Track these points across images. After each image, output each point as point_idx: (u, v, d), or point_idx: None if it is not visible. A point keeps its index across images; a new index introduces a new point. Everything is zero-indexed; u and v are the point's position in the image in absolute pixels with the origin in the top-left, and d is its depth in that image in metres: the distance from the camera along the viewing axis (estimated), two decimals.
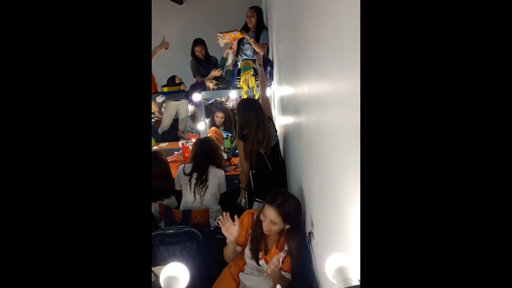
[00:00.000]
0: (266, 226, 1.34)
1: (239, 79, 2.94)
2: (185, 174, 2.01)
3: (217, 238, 1.66)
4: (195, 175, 1.99)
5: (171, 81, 3.31)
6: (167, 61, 3.77)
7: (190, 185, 1.98)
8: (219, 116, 3.13)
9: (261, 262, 1.43)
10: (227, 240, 1.45)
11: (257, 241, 1.43)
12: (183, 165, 2.09)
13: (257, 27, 3.06)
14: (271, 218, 1.32)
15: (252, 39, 2.99)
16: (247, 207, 2.16)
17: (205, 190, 1.97)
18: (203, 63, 3.53)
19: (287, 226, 1.34)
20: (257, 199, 2.02)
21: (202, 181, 1.97)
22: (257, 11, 3.06)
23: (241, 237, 1.47)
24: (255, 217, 1.48)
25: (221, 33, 2.89)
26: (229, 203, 2.13)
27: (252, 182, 2.05)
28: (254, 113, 1.89)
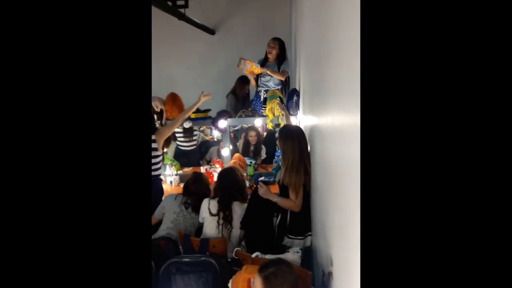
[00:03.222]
0: None
1: (265, 107, 2.97)
2: (211, 214, 1.96)
3: (234, 270, 1.60)
4: (221, 215, 1.94)
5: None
6: (197, 88, 3.92)
7: (218, 226, 1.93)
8: (252, 135, 3.26)
9: None
10: None
11: None
12: (207, 200, 2.04)
13: (278, 58, 3.14)
14: None
15: (270, 69, 3.05)
16: (276, 242, 1.96)
17: (231, 230, 1.93)
18: (241, 100, 3.63)
19: None
20: (289, 236, 1.89)
21: (227, 221, 1.93)
22: (280, 43, 3.14)
23: None
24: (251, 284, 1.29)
25: (245, 59, 2.98)
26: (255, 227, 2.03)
27: (288, 216, 1.90)
28: (297, 140, 1.82)
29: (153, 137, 2.41)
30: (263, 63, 3.20)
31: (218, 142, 3.54)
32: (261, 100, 3.32)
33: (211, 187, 2.23)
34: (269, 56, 3.16)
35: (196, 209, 2.10)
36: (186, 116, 2.63)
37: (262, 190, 1.89)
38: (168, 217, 2.11)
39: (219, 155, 3.38)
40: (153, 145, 2.41)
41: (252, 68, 2.98)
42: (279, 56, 3.14)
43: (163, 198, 2.35)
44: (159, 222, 2.14)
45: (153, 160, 2.43)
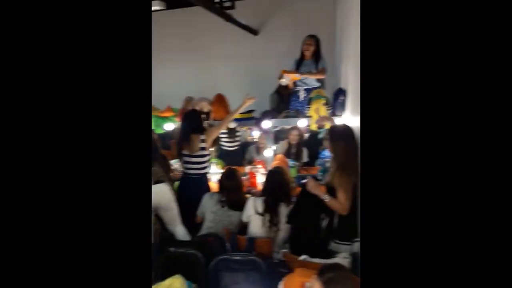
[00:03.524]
0: None
1: (309, 107, 2.93)
2: (257, 212, 1.98)
3: (281, 272, 1.59)
4: (267, 216, 1.95)
5: None
6: (240, 89, 3.98)
7: (264, 226, 1.95)
8: (294, 135, 3.21)
9: None
10: None
11: None
12: (253, 198, 2.06)
13: (315, 55, 3.13)
14: None
15: (308, 73, 3.05)
16: (323, 247, 1.91)
17: (278, 233, 1.93)
18: (286, 100, 3.62)
19: None
20: (337, 241, 1.83)
21: (274, 224, 1.93)
22: (316, 40, 3.14)
23: None
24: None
25: (287, 73, 3.03)
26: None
27: (337, 219, 1.84)
28: (348, 141, 1.78)
29: (202, 137, 2.48)
30: (299, 62, 3.20)
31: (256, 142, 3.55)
32: (300, 100, 3.28)
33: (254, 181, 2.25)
34: (306, 53, 3.15)
35: (232, 207, 2.12)
36: (232, 118, 2.68)
37: (311, 183, 1.84)
38: (208, 217, 2.15)
39: (258, 152, 3.41)
40: (202, 145, 2.48)
41: (292, 78, 3.04)
42: (315, 53, 3.13)
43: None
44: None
45: (202, 159, 2.50)
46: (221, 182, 2.24)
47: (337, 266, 1.20)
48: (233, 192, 2.16)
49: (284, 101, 3.63)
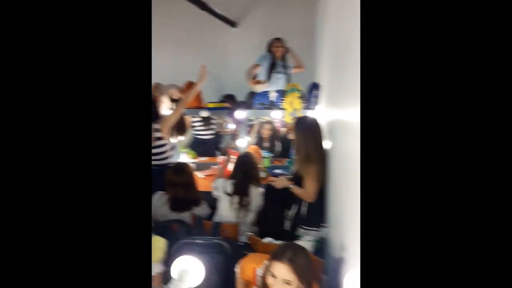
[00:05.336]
0: None
1: (283, 100, 2.96)
2: (226, 193, 2.00)
3: (245, 255, 1.61)
4: (236, 198, 1.97)
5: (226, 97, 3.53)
6: (215, 81, 3.94)
7: (232, 207, 1.97)
8: (267, 128, 3.25)
9: None
10: None
11: None
12: (222, 179, 2.06)
13: (284, 57, 3.31)
14: (283, 277, 1.08)
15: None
16: (289, 232, 1.97)
17: (248, 214, 1.96)
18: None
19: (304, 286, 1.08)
20: (305, 227, 1.88)
21: (244, 204, 1.95)
22: (283, 42, 3.32)
23: None
24: (258, 276, 1.27)
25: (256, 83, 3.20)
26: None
27: (304, 207, 1.90)
28: (311, 131, 1.85)
29: (157, 126, 2.27)
30: (272, 60, 3.25)
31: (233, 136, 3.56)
32: (268, 99, 3.29)
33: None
34: (277, 54, 3.26)
35: (182, 208, 1.94)
36: (189, 99, 2.40)
37: (278, 182, 1.94)
38: (161, 219, 1.96)
39: (233, 139, 3.42)
40: (158, 134, 2.27)
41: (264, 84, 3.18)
42: (284, 55, 3.30)
43: None
44: None
45: (160, 150, 2.29)
46: (168, 178, 1.95)
47: (292, 245, 1.18)
48: (182, 189, 1.93)
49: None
